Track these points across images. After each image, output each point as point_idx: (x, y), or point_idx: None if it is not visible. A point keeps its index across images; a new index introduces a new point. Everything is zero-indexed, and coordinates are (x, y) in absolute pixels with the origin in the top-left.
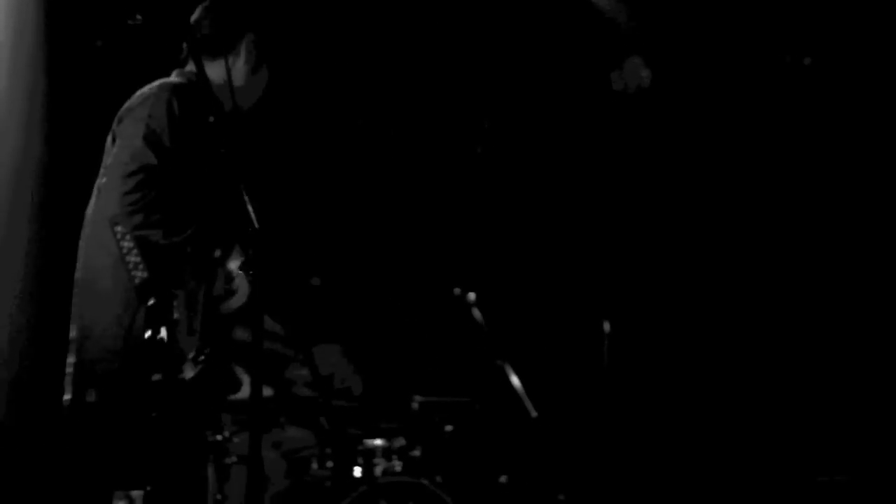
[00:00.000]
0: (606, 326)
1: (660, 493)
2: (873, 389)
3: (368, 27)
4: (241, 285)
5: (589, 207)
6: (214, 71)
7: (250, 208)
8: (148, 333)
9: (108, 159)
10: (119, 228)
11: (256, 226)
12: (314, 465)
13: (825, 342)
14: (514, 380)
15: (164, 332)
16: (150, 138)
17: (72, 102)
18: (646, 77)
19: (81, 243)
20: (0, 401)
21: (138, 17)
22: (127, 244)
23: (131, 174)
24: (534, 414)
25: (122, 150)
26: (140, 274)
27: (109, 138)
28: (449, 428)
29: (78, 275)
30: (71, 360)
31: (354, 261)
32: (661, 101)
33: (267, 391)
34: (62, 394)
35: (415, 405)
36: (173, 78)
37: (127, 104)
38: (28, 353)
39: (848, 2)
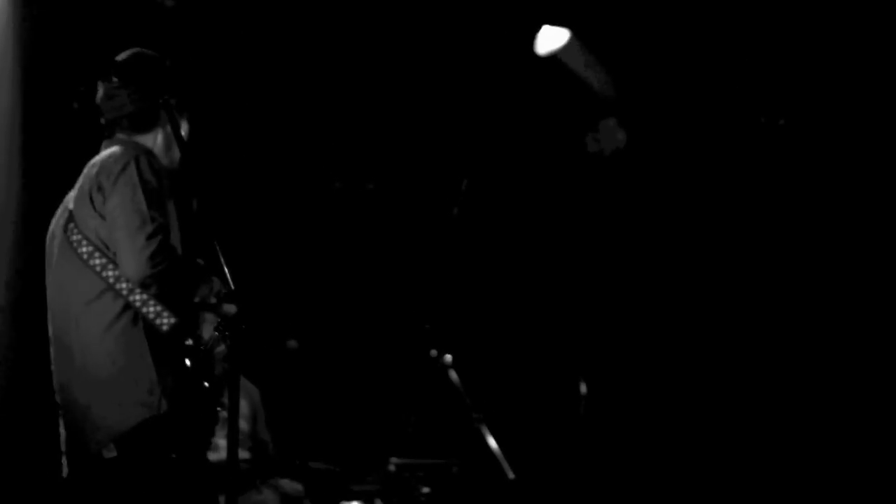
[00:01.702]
0: (583, 387)
1: None
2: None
3: (347, 83)
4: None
5: (564, 268)
6: (147, 140)
7: (226, 269)
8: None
9: (98, 227)
10: (147, 290)
11: (232, 287)
12: None
13: (813, 392)
14: (491, 441)
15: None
16: (152, 198)
17: (49, 166)
18: (621, 139)
19: (62, 316)
20: None
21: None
22: (140, 298)
23: (151, 236)
24: (511, 475)
25: (129, 215)
26: (167, 321)
27: (87, 203)
28: (426, 490)
29: (67, 345)
30: (65, 429)
31: (331, 323)
32: (635, 163)
33: (242, 454)
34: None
35: (391, 467)
36: (112, 149)
37: (101, 170)
38: None
39: (822, 63)
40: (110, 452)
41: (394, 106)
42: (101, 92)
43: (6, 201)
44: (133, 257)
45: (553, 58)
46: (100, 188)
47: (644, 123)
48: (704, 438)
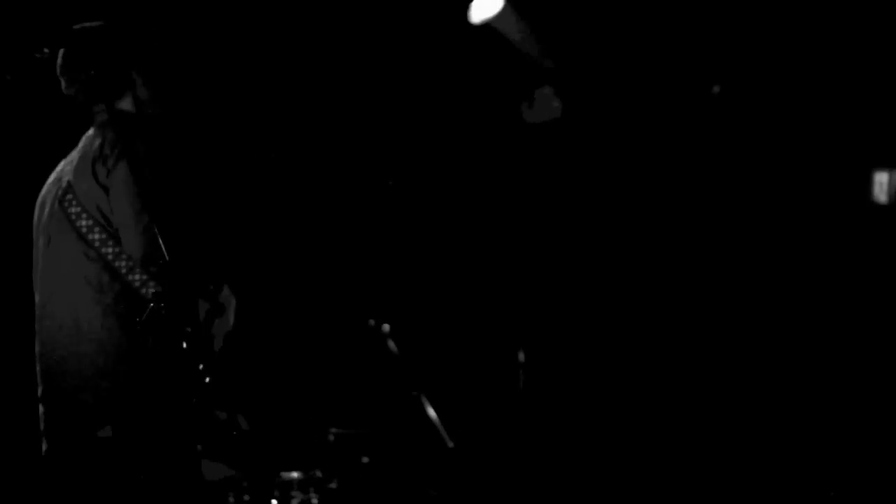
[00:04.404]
0: (521, 356)
1: None
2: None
3: (285, 57)
4: (229, 310)
5: (501, 239)
6: (125, 104)
7: (160, 240)
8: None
9: (99, 200)
10: (148, 269)
11: (167, 257)
12: (231, 499)
13: (741, 365)
14: (430, 410)
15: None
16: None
17: None
18: (556, 107)
19: (58, 294)
20: None
21: (45, 50)
22: (139, 279)
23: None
24: (450, 444)
25: (130, 203)
26: (151, 290)
27: (89, 175)
28: (365, 459)
29: (61, 322)
30: (50, 406)
31: (268, 294)
32: (571, 132)
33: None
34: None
35: (331, 437)
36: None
37: (105, 141)
38: None
39: (757, 31)
40: (105, 433)
41: (327, 70)
42: (60, 66)
43: None
44: (139, 232)
45: (487, 26)
46: (104, 160)
47: (581, 92)
48: (641, 406)
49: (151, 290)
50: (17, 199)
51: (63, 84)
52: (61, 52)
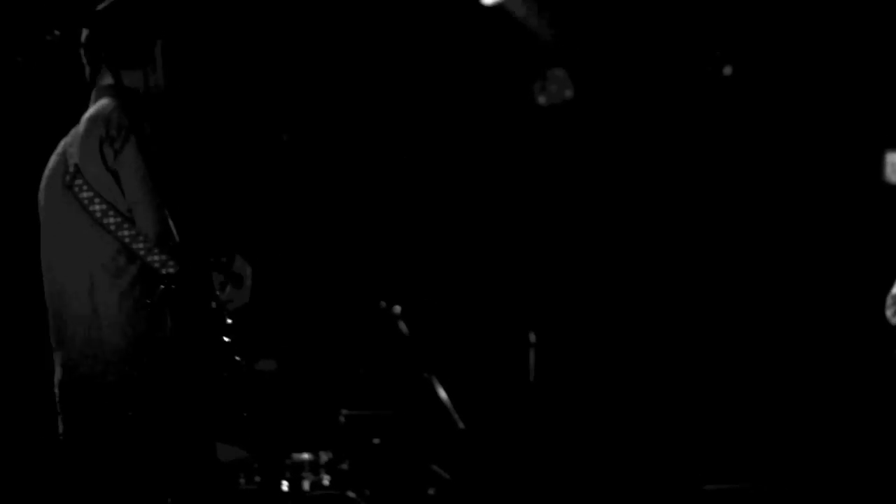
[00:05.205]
0: (532, 337)
1: (586, 501)
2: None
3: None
4: (246, 284)
5: (513, 221)
6: (130, 78)
7: (170, 221)
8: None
9: (110, 183)
10: (164, 247)
11: (177, 239)
12: (242, 480)
13: (753, 344)
14: (441, 392)
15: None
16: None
17: None
18: (569, 88)
19: (73, 279)
20: None
21: (56, 32)
22: (159, 259)
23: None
24: (461, 425)
25: (142, 181)
26: (171, 269)
27: (97, 157)
28: (376, 441)
29: (77, 309)
30: (66, 388)
31: (280, 275)
32: (583, 112)
33: None
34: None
35: (342, 418)
36: (105, 100)
37: (110, 123)
38: None
39: (769, 13)
40: (126, 416)
41: (342, 59)
42: (83, 44)
43: None
44: (153, 210)
45: (499, 7)
46: (111, 141)
47: (593, 73)
48: (652, 388)
49: (171, 270)
50: (23, 184)
51: (85, 61)
52: (84, 31)
